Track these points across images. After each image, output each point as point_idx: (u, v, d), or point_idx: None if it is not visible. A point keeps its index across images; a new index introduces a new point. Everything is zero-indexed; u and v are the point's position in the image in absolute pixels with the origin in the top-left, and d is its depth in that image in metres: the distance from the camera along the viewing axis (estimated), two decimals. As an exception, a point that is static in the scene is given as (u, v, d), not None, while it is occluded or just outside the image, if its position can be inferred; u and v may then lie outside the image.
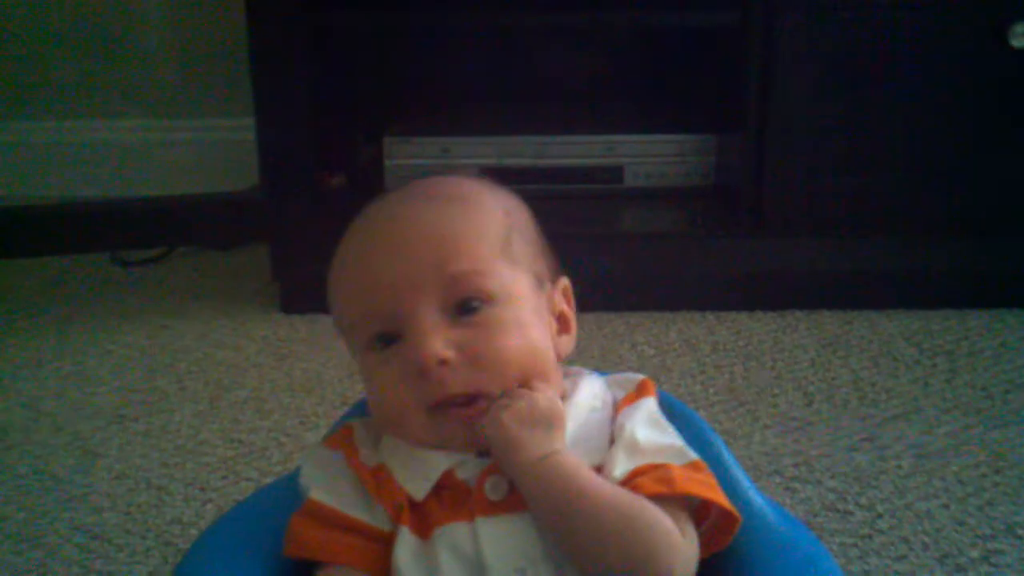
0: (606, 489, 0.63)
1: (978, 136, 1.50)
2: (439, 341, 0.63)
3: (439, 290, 0.64)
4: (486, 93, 1.85)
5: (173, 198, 1.91)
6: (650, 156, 1.70)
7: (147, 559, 1.03)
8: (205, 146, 2.06)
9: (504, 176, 1.64)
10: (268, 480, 1.14)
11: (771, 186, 1.57)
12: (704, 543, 0.64)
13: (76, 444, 1.24)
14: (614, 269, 1.65)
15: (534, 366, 0.66)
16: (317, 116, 1.57)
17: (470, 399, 0.64)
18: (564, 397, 0.68)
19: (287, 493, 0.70)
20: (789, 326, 1.49)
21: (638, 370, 0.83)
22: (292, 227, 1.59)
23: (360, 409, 0.76)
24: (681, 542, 0.63)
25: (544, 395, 0.65)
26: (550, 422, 0.64)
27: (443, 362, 0.63)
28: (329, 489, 0.66)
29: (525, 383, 0.65)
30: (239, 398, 1.35)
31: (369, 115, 1.77)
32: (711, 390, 1.31)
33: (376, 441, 0.68)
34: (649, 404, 0.69)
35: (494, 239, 0.67)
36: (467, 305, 0.65)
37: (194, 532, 1.06)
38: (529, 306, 0.67)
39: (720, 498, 0.65)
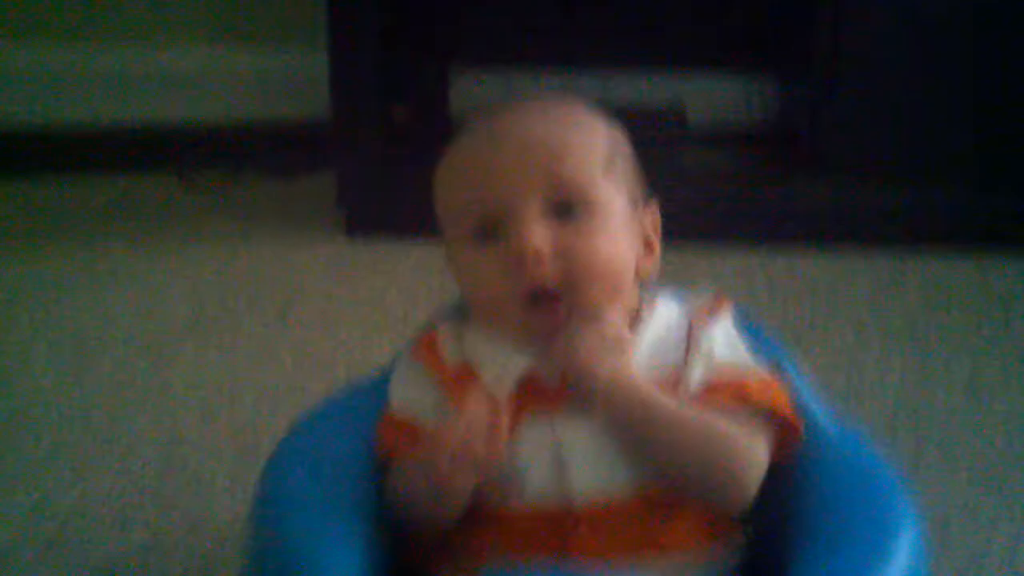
0: (680, 411, 0.66)
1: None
2: (539, 234, 0.67)
3: (545, 189, 0.68)
4: (554, 25, 1.86)
5: (240, 122, 1.95)
6: (711, 97, 1.72)
7: (223, 459, 1.08)
8: (269, 73, 2.08)
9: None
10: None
11: (833, 128, 1.59)
12: (772, 454, 0.68)
13: (151, 353, 1.30)
14: (671, 207, 1.67)
15: (618, 276, 0.69)
16: (387, 45, 1.59)
17: (558, 296, 0.67)
18: (641, 314, 0.72)
19: (372, 392, 0.74)
20: (845, 265, 1.51)
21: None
22: (359, 154, 1.63)
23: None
24: (754, 451, 0.66)
25: (612, 323, 0.68)
26: (620, 349, 0.67)
27: (540, 254, 0.66)
28: (411, 400, 0.71)
29: (607, 292, 0.68)
30: (306, 316, 1.40)
31: (435, 47, 1.79)
32: (763, 320, 1.34)
33: (460, 339, 0.72)
34: (725, 320, 0.72)
35: (600, 155, 0.70)
36: (568, 208, 0.68)
37: (266, 438, 1.10)
38: (622, 221, 0.70)
39: (790, 412, 0.68)
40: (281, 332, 1.35)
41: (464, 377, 0.70)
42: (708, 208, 1.57)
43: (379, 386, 0.75)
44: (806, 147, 1.65)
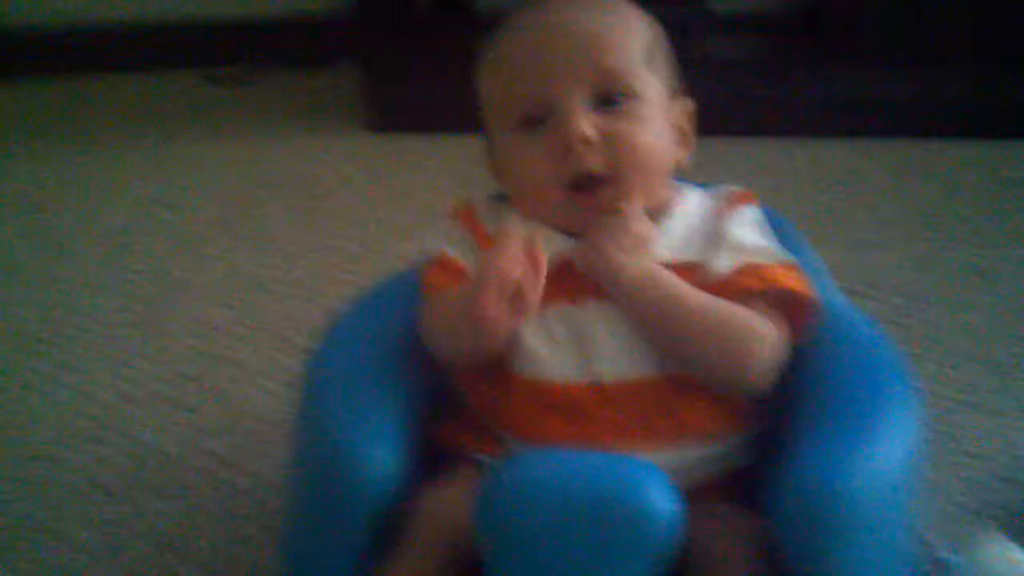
0: (701, 297, 0.69)
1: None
2: (585, 122, 0.69)
3: (590, 79, 0.70)
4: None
5: (262, 16, 1.96)
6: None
7: (261, 348, 1.13)
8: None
9: None
10: (366, 284, 1.23)
11: (860, 15, 1.58)
12: (791, 336, 0.71)
13: (187, 247, 1.35)
14: (695, 95, 1.68)
15: (658, 165, 0.72)
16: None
17: (602, 182, 0.70)
18: (671, 204, 0.74)
19: (405, 285, 0.78)
20: (862, 152, 1.52)
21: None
22: (382, 47, 1.64)
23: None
24: (772, 339, 0.70)
25: (636, 219, 0.70)
26: (645, 243, 0.70)
27: (586, 141, 0.69)
28: (456, 249, 0.74)
29: (648, 179, 0.71)
30: (333, 209, 1.43)
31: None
32: (788, 213, 1.35)
33: (497, 214, 0.75)
34: (751, 210, 0.76)
35: (641, 46, 0.73)
36: (611, 98, 0.71)
37: (302, 327, 1.16)
38: (661, 111, 0.73)
39: (809, 295, 0.72)
40: (309, 227, 1.39)
41: None
42: (729, 98, 1.58)
43: (407, 279, 0.79)
44: (829, 35, 1.65)
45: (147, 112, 1.75)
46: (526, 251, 0.65)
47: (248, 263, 1.30)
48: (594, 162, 0.70)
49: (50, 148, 1.64)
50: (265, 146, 1.62)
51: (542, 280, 0.66)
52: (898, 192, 1.42)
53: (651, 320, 0.69)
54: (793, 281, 0.72)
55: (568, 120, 0.69)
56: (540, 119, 0.71)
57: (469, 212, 0.77)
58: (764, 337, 0.70)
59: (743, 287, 0.70)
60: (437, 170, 1.53)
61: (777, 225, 0.79)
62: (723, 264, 0.71)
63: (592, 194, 0.71)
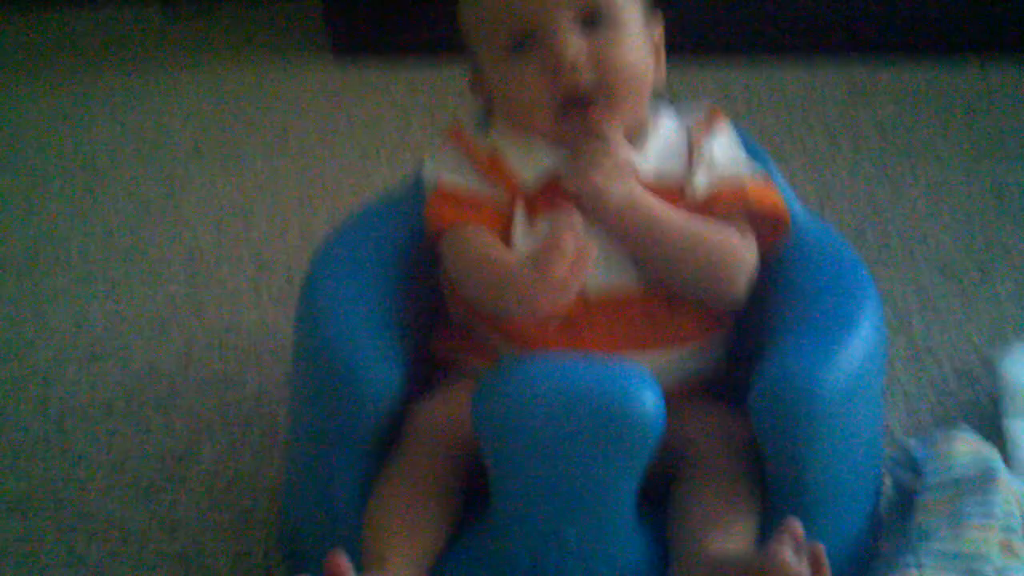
0: (682, 218, 0.74)
1: None
2: (574, 43, 0.73)
3: (575, 2, 0.73)
4: None
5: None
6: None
7: (244, 269, 1.16)
8: None
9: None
10: (343, 209, 1.26)
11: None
12: (762, 244, 0.76)
13: (162, 175, 1.37)
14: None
15: (642, 83, 0.76)
16: None
17: (591, 100, 0.74)
18: (646, 126, 0.78)
19: (397, 202, 0.82)
20: (819, 72, 1.57)
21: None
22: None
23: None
24: (747, 254, 0.75)
25: (618, 144, 0.74)
26: (627, 167, 0.74)
27: (576, 62, 0.73)
28: (454, 175, 0.78)
29: (632, 98, 0.75)
30: (304, 138, 1.45)
31: None
32: (744, 129, 1.41)
33: (486, 132, 0.79)
34: (722, 127, 0.80)
35: None
36: (595, 19, 0.74)
37: (282, 249, 1.20)
38: (641, 31, 0.76)
39: (782, 210, 0.77)
40: (283, 154, 1.41)
41: (496, 161, 0.77)
42: (686, 21, 1.61)
43: (406, 194, 0.83)
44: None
45: (110, 45, 1.75)
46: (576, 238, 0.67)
47: (223, 191, 1.33)
48: (584, 81, 0.73)
49: (14, 83, 1.64)
50: (232, 75, 1.63)
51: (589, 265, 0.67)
52: (852, 111, 1.47)
53: (635, 241, 0.73)
54: (767, 197, 0.77)
55: (557, 41, 0.72)
56: (528, 41, 0.74)
57: (459, 131, 0.80)
58: (741, 254, 0.75)
59: (721, 204, 0.75)
60: (403, 95, 1.55)
61: (743, 142, 0.84)
62: (701, 182, 0.76)
63: (582, 112, 0.74)
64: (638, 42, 0.76)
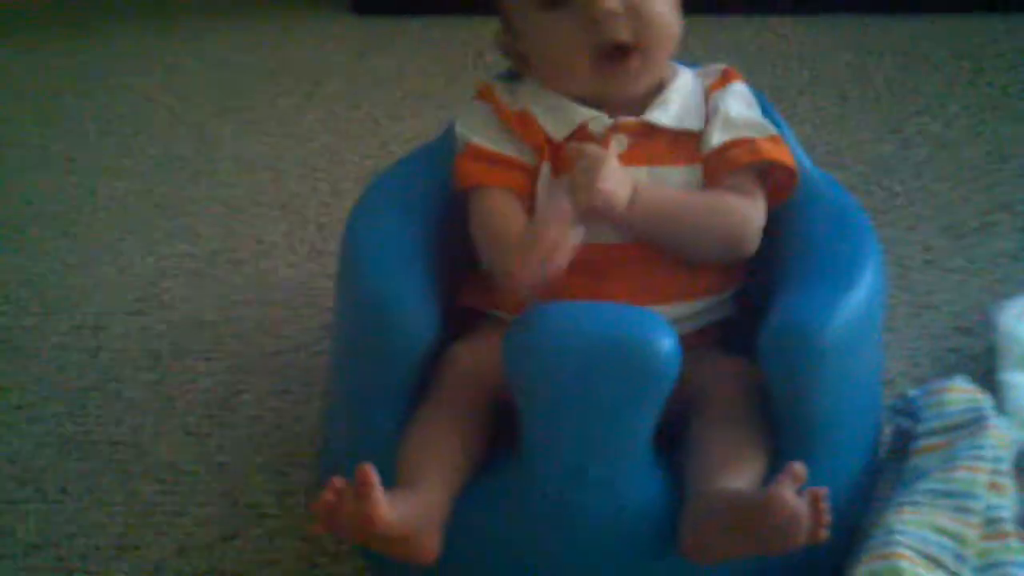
0: (693, 197, 0.79)
1: None
2: None
3: None
4: None
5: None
6: None
7: (279, 224, 1.22)
8: None
9: None
10: (370, 164, 1.32)
11: None
12: (771, 197, 0.82)
13: (193, 131, 1.42)
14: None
15: (674, 35, 0.80)
16: None
17: (628, 50, 0.78)
18: (665, 81, 0.83)
19: (429, 158, 0.87)
20: (828, 29, 1.61)
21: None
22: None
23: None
24: (755, 215, 0.80)
25: (609, 155, 0.76)
26: (623, 173, 0.77)
27: (612, 12, 0.77)
28: (483, 135, 0.82)
29: (666, 48, 0.80)
30: (330, 92, 1.50)
31: None
32: (755, 88, 1.45)
33: (514, 93, 0.84)
34: (738, 86, 0.84)
35: None
36: None
37: (313, 204, 1.25)
38: None
39: (791, 163, 0.82)
40: (309, 109, 1.46)
41: (526, 119, 0.82)
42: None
43: (438, 150, 0.88)
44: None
45: (131, 2, 1.79)
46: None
47: (254, 146, 1.38)
48: (622, 31, 0.77)
49: (44, 39, 1.68)
50: (256, 32, 1.68)
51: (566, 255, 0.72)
52: (861, 67, 1.51)
53: (650, 233, 0.78)
54: (778, 152, 0.81)
55: None
56: None
57: (489, 90, 0.85)
58: (749, 219, 0.79)
59: (734, 159, 0.80)
60: (421, 53, 1.60)
61: (757, 101, 0.88)
62: (716, 137, 0.81)
63: (620, 63, 0.78)
64: None
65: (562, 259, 0.72)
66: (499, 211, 0.80)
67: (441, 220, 0.85)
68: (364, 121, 1.42)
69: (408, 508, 0.68)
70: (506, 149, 0.82)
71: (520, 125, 0.82)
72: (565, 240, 0.71)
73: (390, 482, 0.69)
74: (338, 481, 0.66)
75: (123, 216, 1.25)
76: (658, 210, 0.78)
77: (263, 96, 1.50)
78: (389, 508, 0.65)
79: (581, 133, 0.81)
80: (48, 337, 1.07)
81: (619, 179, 0.76)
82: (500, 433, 0.77)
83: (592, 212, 0.75)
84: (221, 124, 1.43)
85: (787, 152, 0.82)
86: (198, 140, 1.39)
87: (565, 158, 0.79)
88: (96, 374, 1.02)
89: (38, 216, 1.26)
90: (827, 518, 0.64)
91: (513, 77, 0.87)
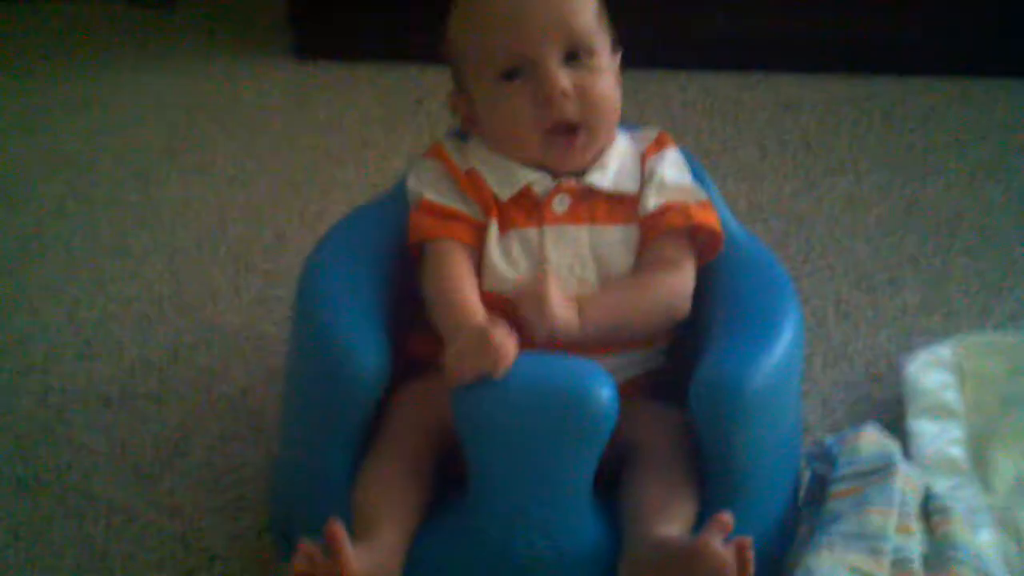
0: (629, 291, 0.85)
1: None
2: (564, 77, 0.84)
3: (562, 40, 0.84)
4: None
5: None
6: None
7: (223, 269, 1.25)
8: None
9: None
10: (313, 209, 1.36)
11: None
12: (698, 257, 0.89)
13: (138, 174, 1.44)
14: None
15: (615, 111, 0.87)
16: None
17: (574, 128, 0.85)
18: (606, 145, 0.89)
19: (381, 210, 0.92)
20: (750, 86, 1.69)
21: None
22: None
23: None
24: (687, 284, 0.87)
25: (550, 288, 0.82)
26: (565, 300, 0.82)
27: (565, 93, 0.84)
28: (435, 191, 0.88)
29: (609, 125, 0.87)
30: (272, 138, 1.54)
31: None
32: (680, 142, 1.51)
33: (463, 153, 0.90)
34: (672, 153, 0.91)
35: (595, 9, 0.87)
36: (577, 54, 0.85)
37: (258, 249, 1.29)
38: (610, 64, 0.88)
39: (718, 227, 0.88)
40: (252, 154, 1.49)
41: (474, 178, 0.88)
42: (626, 32, 1.72)
43: (390, 202, 0.93)
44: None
45: (77, 41, 1.80)
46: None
47: (198, 190, 1.41)
48: (570, 111, 0.84)
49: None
50: (199, 75, 1.70)
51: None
52: (780, 124, 1.59)
53: (603, 335, 0.84)
54: (707, 218, 0.88)
55: (551, 77, 0.83)
56: (518, 71, 0.84)
57: (440, 149, 0.91)
58: (683, 290, 0.87)
59: (668, 221, 0.87)
60: (362, 99, 1.64)
61: (688, 165, 0.95)
62: (652, 201, 0.88)
63: (568, 138, 0.85)
64: (610, 76, 0.87)
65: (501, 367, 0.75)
66: (447, 268, 0.85)
67: (392, 271, 0.90)
68: (306, 167, 1.46)
69: (373, 557, 0.73)
70: (457, 204, 0.87)
71: (469, 184, 0.87)
72: (502, 356, 0.75)
73: (343, 519, 0.73)
74: (307, 546, 0.70)
75: (69, 258, 1.27)
76: (605, 317, 0.84)
77: (207, 140, 1.53)
78: (357, 562, 0.70)
79: (525, 193, 0.87)
80: (-5, 380, 1.09)
81: (564, 305, 0.82)
82: (449, 471, 0.82)
83: (551, 342, 0.81)
84: (165, 167, 1.45)
85: (715, 217, 0.89)
86: (143, 182, 1.42)
87: (510, 215, 0.85)
88: (45, 416, 1.04)
89: (-19, 258, 1.28)
90: (751, 565, 0.70)
91: (460, 136, 0.93)
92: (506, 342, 0.75)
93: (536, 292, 0.82)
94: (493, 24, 0.85)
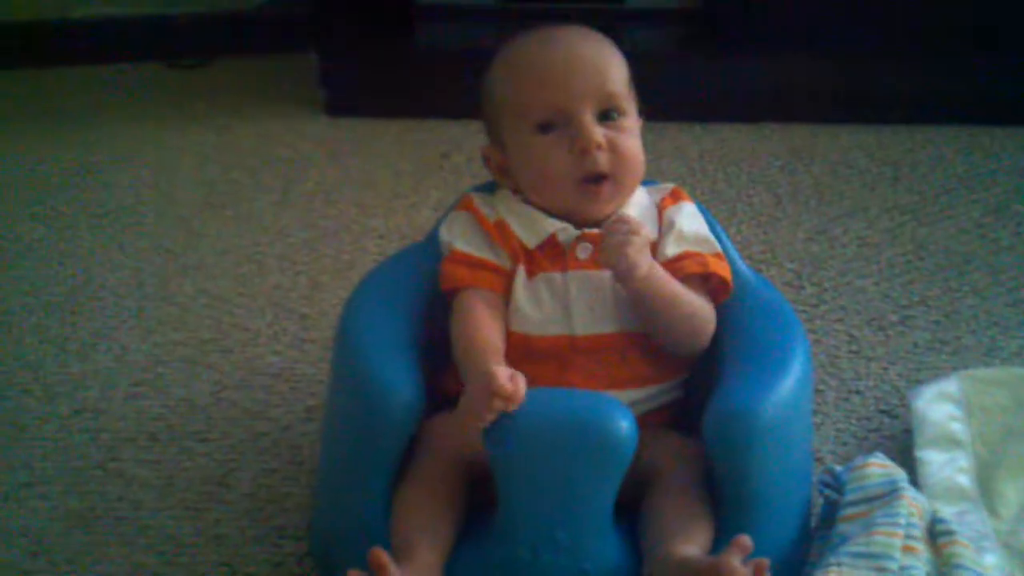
0: (682, 290, 0.91)
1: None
2: (599, 132, 0.91)
3: (597, 100, 0.91)
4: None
5: (217, 5, 2.10)
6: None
7: (263, 314, 1.32)
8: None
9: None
10: (346, 257, 1.43)
11: (755, 10, 1.81)
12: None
13: (180, 225, 1.52)
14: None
15: (641, 167, 0.94)
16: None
17: (604, 178, 0.92)
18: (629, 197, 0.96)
19: (415, 258, 0.99)
20: (764, 136, 1.76)
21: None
22: (339, 36, 1.82)
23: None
24: (713, 322, 0.93)
25: (640, 226, 0.89)
26: (647, 246, 0.90)
27: (600, 147, 0.91)
28: (465, 241, 0.95)
29: (636, 178, 0.94)
30: (306, 191, 1.62)
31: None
32: (697, 191, 1.59)
33: (491, 205, 0.96)
34: (688, 206, 0.98)
35: (625, 74, 0.94)
36: (609, 114, 0.92)
37: (294, 295, 1.36)
38: (637, 123, 0.95)
39: (729, 276, 0.95)
40: (287, 205, 1.57)
41: (502, 228, 0.94)
42: (645, 86, 1.79)
43: (423, 251, 1.00)
44: (733, 28, 1.87)
45: (120, 101, 1.90)
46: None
47: (237, 240, 1.48)
48: (603, 163, 0.91)
49: (37, 137, 1.78)
50: (236, 131, 1.79)
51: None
52: (793, 172, 1.66)
53: (649, 304, 0.90)
54: (720, 268, 0.95)
55: (587, 130, 0.90)
56: (553, 125, 0.91)
57: (469, 201, 0.98)
58: (712, 319, 0.93)
59: (684, 268, 0.93)
60: (391, 153, 1.72)
61: (701, 211, 1.02)
62: (671, 249, 0.94)
63: (599, 187, 0.92)
64: (637, 136, 0.94)
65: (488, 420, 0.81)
66: (473, 317, 0.92)
67: (425, 313, 0.96)
68: (339, 218, 1.53)
69: None
70: (486, 254, 0.94)
71: (498, 234, 0.94)
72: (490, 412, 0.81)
73: (381, 544, 0.79)
74: (353, 573, 0.76)
75: (117, 306, 1.34)
76: (661, 289, 0.90)
77: (244, 193, 1.60)
78: None
79: (551, 241, 0.93)
80: (51, 419, 1.15)
81: (644, 253, 0.89)
82: (478, 497, 0.87)
83: (616, 272, 0.88)
84: (206, 219, 1.53)
85: (727, 268, 0.96)
86: (185, 234, 1.49)
87: (536, 261, 0.92)
88: (98, 454, 1.10)
89: (37, 305, 1.35)
90: (768, 585, 0.75)
91: (487, 189, 1.00)
92: (509, 385, 0.80)
93: (631, 225, 0.88)
94: (535, 79, 0.92)
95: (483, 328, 0.91)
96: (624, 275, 0.89)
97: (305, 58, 1.92)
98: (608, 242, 0.88)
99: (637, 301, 0.91)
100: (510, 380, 0.80)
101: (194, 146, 1.74)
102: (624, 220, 0.89)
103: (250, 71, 2.03)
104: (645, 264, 0.89)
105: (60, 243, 1.48)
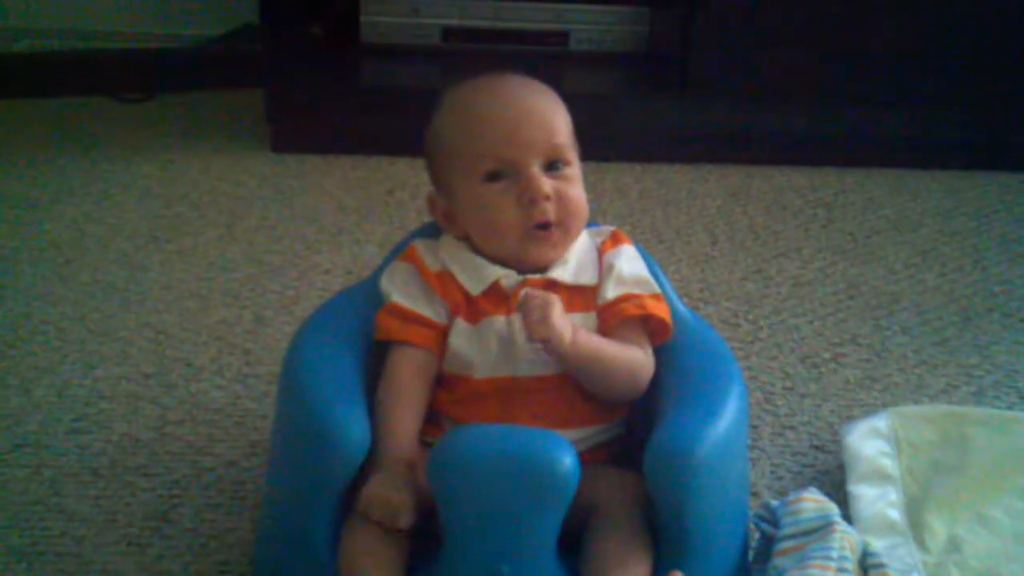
0: (612, 345, 0.94)
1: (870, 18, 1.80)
2: (547, 183, 0.94)
3: (544, 151, 0.94)
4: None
5: (166, 40, 2.10)
6: (592, 23, 1.96)
7: (206, 350, 1.32)
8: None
9: (466, 35, 1.90)
10: (291, 293, 1.44)
11: (696, 54, 1.85)
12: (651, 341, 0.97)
13: (123, 260, 1.52)
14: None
15: (585, 215, 0.98)
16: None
17: (552, 227, 0.95)
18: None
19: (359, 297, 1.01)
20: (702, 177, 1.81)
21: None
22: (285, 72, 1.83)
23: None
24: (650, 364, 0.96)
25: (556, 299, 0.91)
26: (565, 316, 0.92)
27: (547, 197, 0.93)
28: (403, 293, 0.97)
29: (580, 226, 0.97)
30: (251, 225, 1.62)
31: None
32: (637, 230, 1.63)
33: (435, 254, 0.98)
34: (628, 248, 1.01)
35: (570, 125, 0.98)
36: (555, 165, 0.95)
37: (239, 330, 1.36)
38: (579, 171, 0.98)
39: (668, 318, 0.98)
40: (232, 240, 1.58)
41: (445, 278, 0.97)
42: (588, 126, 1.83)
43: (368, 288, 1.02)
44: (673, 70, 1.92)
45: (65, 134, 1.89)
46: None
47: (181, 275, 1.48)
48: (550, 213, 0.94)
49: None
50: (178, 164, 1.79)
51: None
52: (729, 212, 1.70)
53: (582, 366, 0.93)
54: (659, 309, 0.98)
55: (536, 182, 0.93)
56: (501, 174, 0.94)
57: (413, 251, 1.00)
58: (649, 367, 0.96)
59: (623, 311, 0.96)
60: (338, 189, 1.73)
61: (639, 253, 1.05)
62: (610, 292, 0.97)
63: (548, 233, 0.95)
64: (581, 184, 0.98)
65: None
66: (397, 380, 0.95)
67: (371, 347, 0.98)
68: (284, 253, 1.54)
69: None
70: (421, 308, 0.96)
71: (439, 284, 0.96)
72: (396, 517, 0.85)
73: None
74: None
75: (60, 340, 1.33)
76: (589, 350, 0.93)
77: (189, 227, 1.60)
78: None
79: (494, 288, 0.95)
80: (-9, 455, 1.14)
81: (565, 320, 0.91)
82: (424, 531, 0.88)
83: (543, 344, 0.90)
84: (149, 253, 1.53)
85: (666, 309, 0.99)
86: (128, 268, 1.49)
87: (480, 307, 0.94)
88: (40, 489, 1.10)
89: (-25, 340, 1.34)
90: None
91: (431, 230, 1.02)
92: (400, 506, 0.85)
93: (547, 296, 0.90)
94: (485, 130, 0.95)
95: (402, 400, 0.94)
96: (554, 345, 0.91)
97: (251, 94, 1.93)
98: (529, 319, 0.90)
99: (570, 365, 0.93)
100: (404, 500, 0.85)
101: (138, 180, 1.74)
102: (532, 295, 0.91)
103: (196, 106, 2.04)
104: (569, 329, 0.91)
105: (1, 277, 1.47)
